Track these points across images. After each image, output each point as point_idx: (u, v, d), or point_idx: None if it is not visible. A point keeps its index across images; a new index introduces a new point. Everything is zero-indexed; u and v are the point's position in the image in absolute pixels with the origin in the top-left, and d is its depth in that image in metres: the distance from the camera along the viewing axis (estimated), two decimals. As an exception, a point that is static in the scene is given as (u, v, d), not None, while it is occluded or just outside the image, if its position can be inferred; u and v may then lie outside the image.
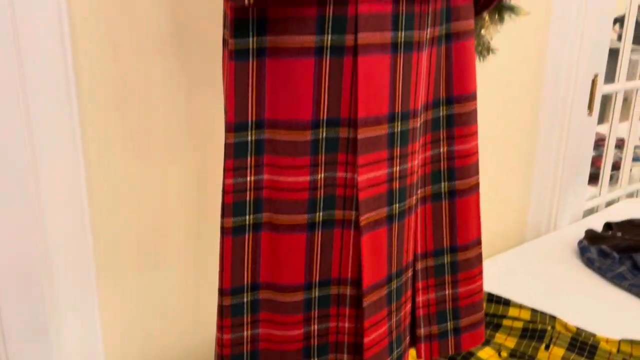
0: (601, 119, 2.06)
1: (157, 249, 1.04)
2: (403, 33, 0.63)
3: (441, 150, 0.74)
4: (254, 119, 0.63)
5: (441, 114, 0.73)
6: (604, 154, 1.93)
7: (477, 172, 0.76)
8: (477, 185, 0.77)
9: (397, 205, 0.68)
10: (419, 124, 0.69)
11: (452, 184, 0.75)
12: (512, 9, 1.30)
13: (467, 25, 0.72)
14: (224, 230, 0.66)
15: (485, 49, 1.32)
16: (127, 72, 0.94)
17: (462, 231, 0.76)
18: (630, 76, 1.93)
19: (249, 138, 0.64)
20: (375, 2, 0.60)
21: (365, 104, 0.63)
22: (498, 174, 1.59)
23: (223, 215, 0.66)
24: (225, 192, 0.65)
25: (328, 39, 0.60)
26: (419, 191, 0.73)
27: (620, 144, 2.11)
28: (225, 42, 0.65)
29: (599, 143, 2.13)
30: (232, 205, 0.65)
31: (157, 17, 0.95)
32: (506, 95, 1.54)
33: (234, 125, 0.63)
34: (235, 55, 0.61)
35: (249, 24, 0.60)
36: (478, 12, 0.76)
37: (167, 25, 0.98)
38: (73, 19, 0.87)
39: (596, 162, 2.08)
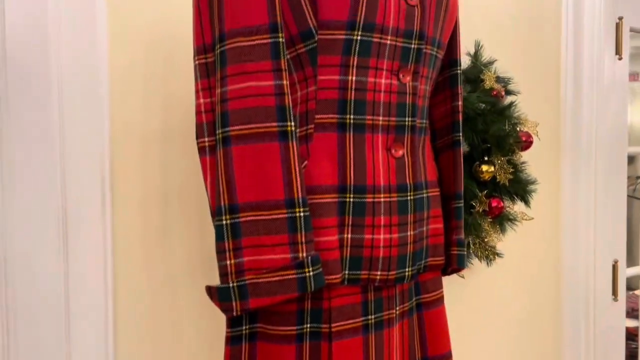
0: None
1: None
2: (373, 316, 0.74)
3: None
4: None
5: (420, 372, 0.81)
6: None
7: None
8: None
9: None
10: (396, 388, 0.78)
11: None
12: (512, 220, 1.41)
13: (437, 295, 0.83)
14: None
15: (491, 254, 1.41)
16: (159, 298, 1.10)
17: None
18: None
19: None
20: (346, 296, 0.73)
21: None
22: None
23: None
24: None
25: (307, 327, 0.72)
26: None
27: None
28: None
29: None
30: None
31: (189, 248, 1.12)
32: (525, 288, 1.59)
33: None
34: (230, 341, 0.73)
35: (242, 317, 0.73)
36: (448, 274, 0.87)
37: (197, 254, 1.15)
38: (117, 259, 1.05)
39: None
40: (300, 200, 0.66)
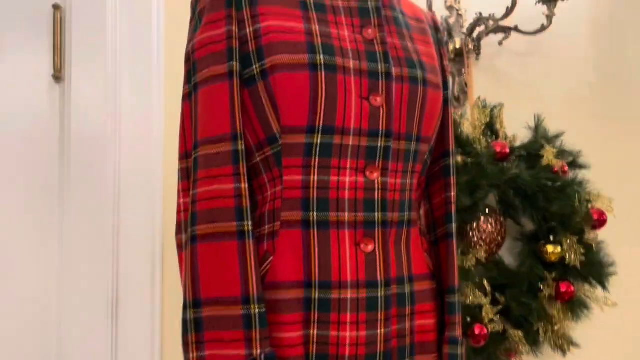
0: None
1: None
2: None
3: None
4: None
5: None
6: None
7: None
8: None
9: None
10: None
11: None
12: (586, 306, 1.26)
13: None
14: None
15: (565, 343, 1.27)
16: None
17: None
18: None
19: None
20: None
21: None
22: None
23: None
24: None
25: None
26: None
27: None
28: None
29: None
30: None
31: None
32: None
33: None
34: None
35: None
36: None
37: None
38: (164, 343, 1.14)
39: None
40: (256, 298, 0.69)
